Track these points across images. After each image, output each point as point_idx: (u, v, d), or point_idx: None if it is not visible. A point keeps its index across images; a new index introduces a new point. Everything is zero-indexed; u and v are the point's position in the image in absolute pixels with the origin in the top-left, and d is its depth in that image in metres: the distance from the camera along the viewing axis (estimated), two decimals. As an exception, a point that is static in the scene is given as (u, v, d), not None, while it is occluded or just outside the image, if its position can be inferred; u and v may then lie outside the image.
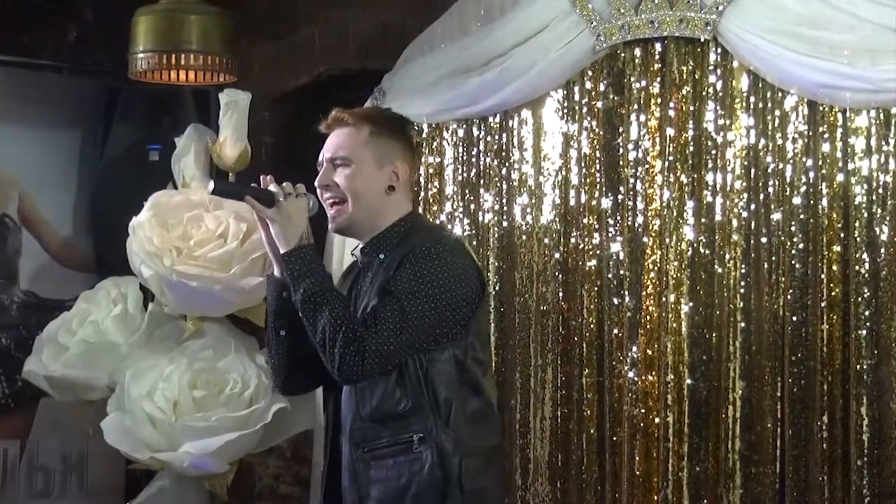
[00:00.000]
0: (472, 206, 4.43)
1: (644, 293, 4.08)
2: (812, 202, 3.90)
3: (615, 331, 4.14)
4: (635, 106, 4.12)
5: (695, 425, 3.99)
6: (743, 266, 3.98)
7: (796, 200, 3.93)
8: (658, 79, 4.09)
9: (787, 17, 3.82)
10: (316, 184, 3.29)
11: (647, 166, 4.11)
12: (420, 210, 4.50)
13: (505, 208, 4.38)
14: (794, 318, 3.91)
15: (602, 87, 4.20)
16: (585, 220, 4.21)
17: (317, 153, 3.32)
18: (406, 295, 3.13)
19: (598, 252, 4.20)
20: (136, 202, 4.39)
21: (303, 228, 3.22)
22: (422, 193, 4.51)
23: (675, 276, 4.02)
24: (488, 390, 3.27)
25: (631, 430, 4.07)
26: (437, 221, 4.43)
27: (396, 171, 3.29)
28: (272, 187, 3.24)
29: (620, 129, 4.17)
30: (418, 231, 3.28)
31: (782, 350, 3.92)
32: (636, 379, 4.07)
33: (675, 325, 4.01)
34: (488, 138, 4.41)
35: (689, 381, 3.99)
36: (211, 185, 3.30)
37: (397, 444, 3.17)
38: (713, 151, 4.02)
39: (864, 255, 3.81)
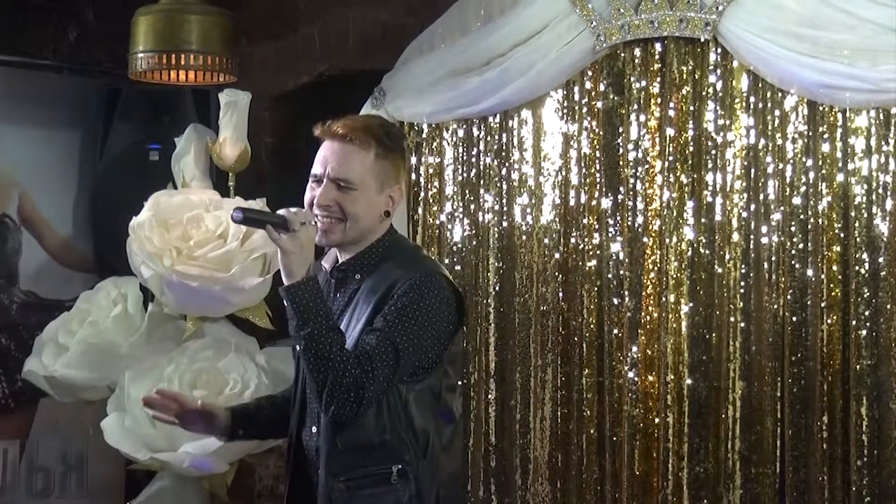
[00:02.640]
0: (472, 206, 4.43)
1: (644, 293, 4.08)
2: (812, 202, 3.90)
3: (615, 331, 4.15)
4: (635, 106, 4.12)
5: (695, 425, 3.99)
6: (743, 266, 3.98)
7: (796, 200, 3.93)
8: (658, 79, 4.09)
9: (787, 17, 3.82)
10: (315, 202, 3.22)
11: (647, 166, 4.11)
12: (420, 210, 4.51)
13: (505, 208, 4.38)
14: (794, 318, 3.91)
15: (602, 87, 4.20)
16: (585, 220, 4.22)
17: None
18: (398, 333, 3.10)
19: (598, 252, 4.20)
20: (136, 202, 4.39)
21: (311, 260, 3.16)
22: (422, 193, 4.51)
23: (675, 276, 4.02)
24: (458, 412, 3.27)
25: (631, 430, 4.07)
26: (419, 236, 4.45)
27: (393, 197, 3.27)
28: (282, 212, 3.14)
29: (620, 129, 4.17)
30: (396, 253, 3.26)
31: (782, 350, 3.92)
32: (636, 379, 4.07)
33: (675, 325, 4.01)
34: (488, 138, 4.41)
35: (689, 381, 3.99)
36: (235, 213, 3.17)
37: (375, 476, 3.16)
38: (713, 151, 4.02)
39: (864, 255, 3.81)
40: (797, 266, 3.92)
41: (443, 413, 3.22)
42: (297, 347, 3.17)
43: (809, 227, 3.90)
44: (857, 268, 3.81)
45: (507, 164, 4.38)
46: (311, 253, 3.14)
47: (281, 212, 3.14)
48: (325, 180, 3.24)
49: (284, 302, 3.12)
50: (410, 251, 3.38)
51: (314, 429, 3.24)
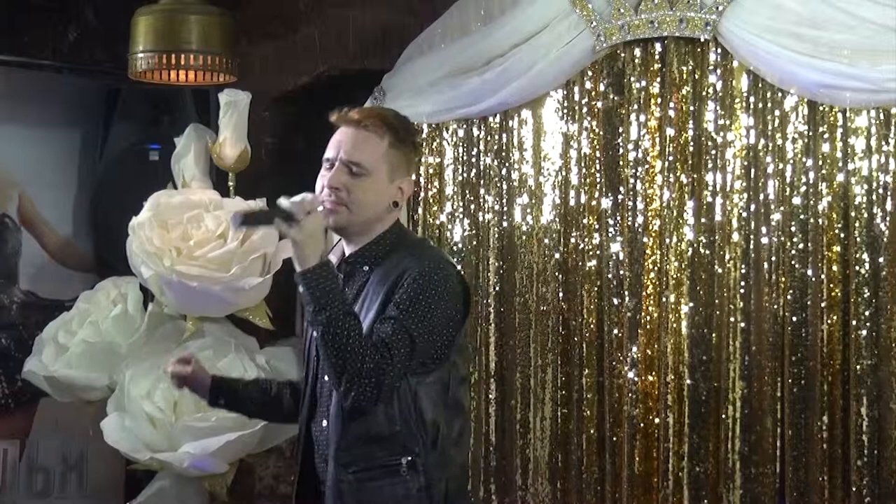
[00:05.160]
0: (472, 206, 4.43)
1: (644, 293, 4.08)
2: (812, 202, 3.90)
3: (615, 331, 4.14)
4: (635, 106, 4.12)
5: (695, 425, 3.99)
6: (743, 266, 3.98)
7: (796, 200, 3.93)
8: (658, 79, 4.09)
9: (787, 16, 3.82)
10: (326, 184, 3.22)
11: (647, 166, 4.11)
12: (420, 211, 4.51)
13: (505, 208, 4.38)
14: (794, 318, 3.91)
15: (602, 87, 4.21)
16: (585, 220, 4.22)
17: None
18: (411, 320, 3.09)
19: (598, 252, 4.20)
20: (136, 202, 4.39)
21: (323, 247, 3.15)
22: (422, 193, 4.51)
23: (675, 276, 4.02)
24: (467, 404, 3.27)
25: (631, 430, 4.07)
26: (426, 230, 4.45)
27: (403, 188, 3.27)
28: (285, 204, 3.14)
29: (620, 129, 4.17)
30: (404, 245, 3.26)
31: (782, 350, 3.92)
32: (636, 379, 4.07)
33: (675, 325, 4.01)
34: (488, 138, 4.41)
35: (689, 381, 3.99)
36: (233, 220, 3.19)
37: (385, 467, 3.15)
38: (713, 151, 4.02)
39: (864, 255, 3.81)
40: (797, 266, 3.92)
41: (452, 405, 3.21)
42: (314, 334, 3.15)
43: (809, 227, 3.90)
44: (857, 268, 3.81)
45: (507, 164, 4.38)
46: (321, 239, 3.14)
47: (283, 204, 3.14)
48: (337, 163, 3.23)
49: (300, 288, 3.11)
50: (418, 242, 3.39)
51: (324, 422, 3.23)
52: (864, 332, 3.79)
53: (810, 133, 3.91)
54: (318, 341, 3.13)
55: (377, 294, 3.18)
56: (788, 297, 3.92)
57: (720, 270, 4.00)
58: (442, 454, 3.17)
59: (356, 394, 3.06)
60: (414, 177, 3.31)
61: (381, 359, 3.06)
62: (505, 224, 4.38)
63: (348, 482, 3.15)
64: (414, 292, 3.12)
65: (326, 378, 3.23)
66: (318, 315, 3.07)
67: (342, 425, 3.16)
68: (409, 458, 3.15)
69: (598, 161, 4.21)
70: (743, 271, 3.98)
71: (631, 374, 4.08)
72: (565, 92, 4.28)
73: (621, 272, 4.14)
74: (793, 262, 3.93)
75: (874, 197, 3.81)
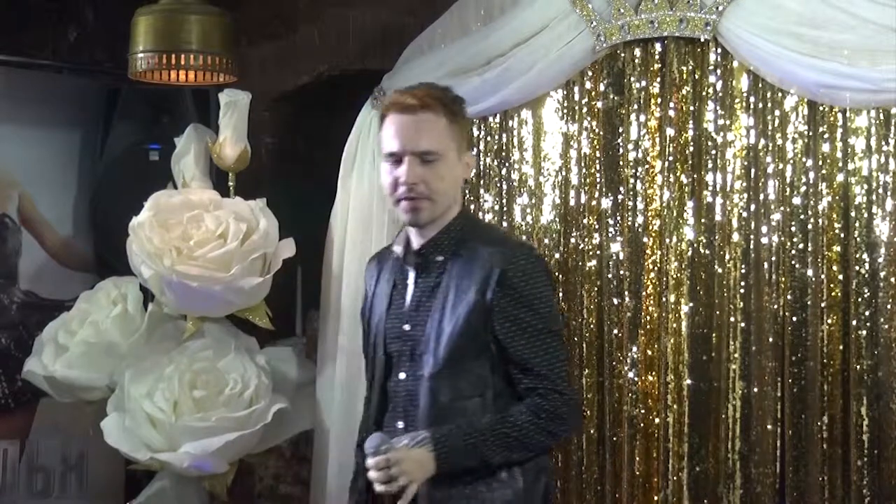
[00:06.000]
0: (472, 206, 4.42)
1: (644, 293, 4.08)
2: (812, 202, 3.90)
3: (615, 331, 4.14)
4: (635, 106, 4.12)
5: (695, 425, 3.99)
6: (743, 266, 3.97)
7: (796, 200, 3.93)
8: (658, 79, 4.09)
9: (787, 16, 3.82)
10: (401, 181, 3.14)
11: (647, 166, 4.11)
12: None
13: (505, 208, 4.38)
14: (794, 318, 3.91)
15: (602, 87, 4.20)
16: (585, 220, 4.21)
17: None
18: (547, 328, 3.15)
19: (598, 252, 4.20)
20: (136, 202, 4.39)
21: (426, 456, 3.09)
22: (422, 193, 4.51)
23: (675, 276, 4.02)
24: None
25: (631, 430, 4.07)
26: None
27: (469, 163, 3.24)
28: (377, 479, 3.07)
29: (620, 129, 4.17)
30: (474, 230, 3.23)
31: (782, 350, 3.92)
32: (636, 379, 4.07)
33: (675, 325, 4.01)
34: (488, 138, 4.41)
35: (689, 381, 3.99)
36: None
37: (484, 473, 3.15)
38: (713, 151, 4.02)
39: (864, 255, 3.81)
40: (797, 266, 3.92)
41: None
42: (376, 331, 3.19)
43: (809, 227, 3.90)
44: (857, 268, 3.81)
45: (507, 164, 4.38)
46: (419, 454, 3.10)
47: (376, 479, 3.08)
48: (408, 157, 3.15)
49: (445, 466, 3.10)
50: (487, 227, 3.40)
51: (399, 423, 3.20)
52: (864, 332, 3.79)
53: (810, 133, 3.91)
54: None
55: (462, 289, 3.12)
56: (788, 297, 3.92)
57: (720, 270, 3.99)
58: (539, 463, 3.18)
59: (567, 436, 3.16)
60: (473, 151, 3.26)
61: (564, 399, 3.12)
62: (505, 224, 4.37)
63: (445, 489, 3.12)
64: (532, 294, 3.12)
65: (402, 376, 3.20)
66: (491, 460, 3.09)
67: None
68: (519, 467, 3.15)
69: (598, 161, 4.21)
70: (743, 271, 3.97)
71: (631, 374, 4.08)
72: (565, 92, 4.27)
73: (621, 272, 4.14)
74: (793, 262, 3.93)
75: (874, 197, 3.81)
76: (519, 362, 3.14)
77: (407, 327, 3.26)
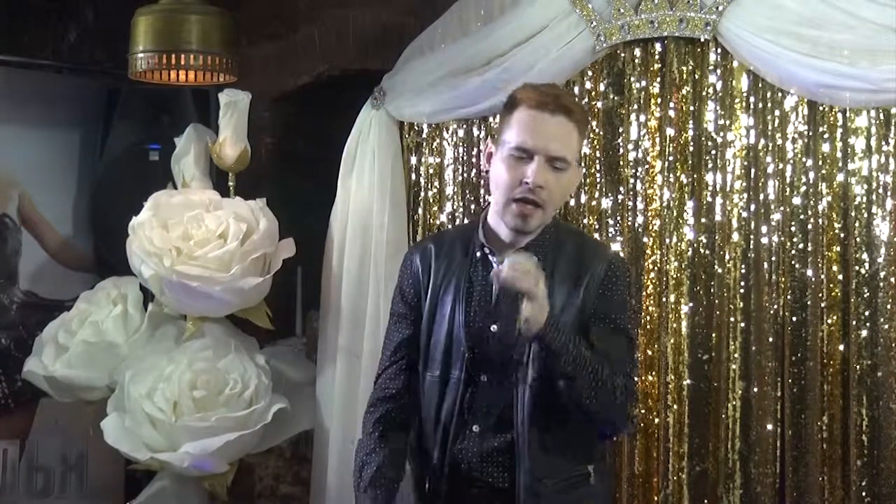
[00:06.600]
0: (473, 206, 4.42)
1: (644, 293, 4.08)
2: (812, 202, 3.90)
3: (615, 331, 4.14)
4: (635, 106, 4.12)
5: (695, 425, 3.99)
6: (743, 266, 3.97)
7: (796, 200, 3.93)
8: (658, 79, 4.09)
9: (786, 16, 3.82)
10: (532, 181, 3.06)
11: (647, 166, 4.11)
12: (420, 211, 4.51)
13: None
14: (794, 318, 3.91)
15: (602, 87, 4.20)
16: (585, 220, 4.21)
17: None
18: (630, 325, 3.21)
19: (598, 252, 4.19)
20: (136, 202, 4.39)
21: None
22: (422, 193, 4.51)
23: (675, 276, 4.02)
24: None
25: (631, 430, 4.07)
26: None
27: (579, 176, 3.22)
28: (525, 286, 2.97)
29: (620, 129, 4.17)
30: (567, 233, 3.24)
31: (782, 350, 3.92)
32: (636, 379, 4.07)
33: (675, 325, 4.01)
34: (488, 138, 4.41)
35: (688, 381, 3.99)
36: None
37: (578, 476, 3.14)
38: (713, 151, 4.02)
39: (864, 255, 3.81)
40: (797, 266, 3.92)
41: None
42: (466, 330, 3.10)
43: (809, 227, 3.90)
44: (857, 268, 3.81)
45: (507, 164, 4.37)
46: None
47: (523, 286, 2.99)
48: (540, 157, 3.09)
49: (535, 347, 3.04)
50: (577, 231, 3.43)
51: (476, 427, 3.15)
52: (864, 332, 3.79)
53: (810, 133, 3.91)
54: (563, 388, 3.05)
55: (564, 290, 3.12)
56: (788, 297, 3.92)
57: (720, 270, 3.99)
58: (607, 458, 3.17)
59: (615, 425, 3.14)
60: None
61: (629, 380, 3.10)
62: (505, 224, 4.37)
63: (545, 494, 3.09)
64: (621, 296, 3.15)
65: (483, 379, 3.15)
66: (566, 367, 3.02)
67: (541, 435, 3.10)
68: (593, 465, 3.14)
69: (598, 161, 4.21)
70: (743, 271, 3.97)
71: (631, 374, 4.08)
72: (565, 92, 4.28)
73: (621, 272, 4.14)
74: (793, 262, 3.93)
75: (874, 197, 3.81)
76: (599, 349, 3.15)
77: (495, 328, 3.19)
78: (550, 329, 3.01)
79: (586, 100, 4.22)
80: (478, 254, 3.24)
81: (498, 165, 3.17)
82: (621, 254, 3.25)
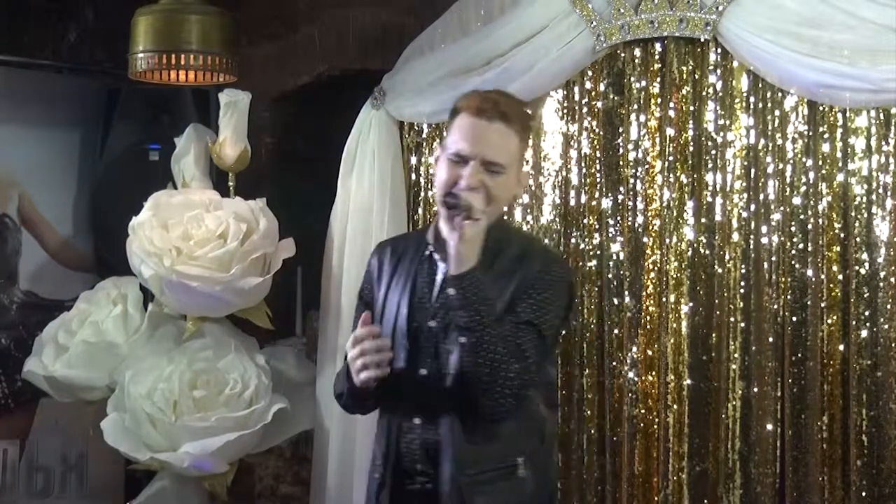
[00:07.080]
0: (473, 206, 4.42)
1: (644, 293, 4.08)
2: (812, 202, 3.90)
3: (615, 331, 4.14)
4: (635, 106, 4.12)
5: (695, 425, 3.98)
6: (743, 266, 3.97)
7: (796, 200, 3.92)
8: (658, 79, 4.09)
9: (786, 16, 3.82)
10: (465, 184, 3.10)
11: (647, 166, 4.11)
12: (420, 211, 4.51)
13: (505, 208, 4.37)
14: (794, 318, 3.91)
15: (602, 87, 4.20)
16: (585, 221, 4.21)
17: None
18: (547, 325, 3.17)
19: (598, 252, 4.20)
20: (136, 202, 4.39)
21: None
22: (422, 193, 4.51)
23: (675, 276, 4.02)
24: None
25: (631, 430, 4.07)
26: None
27: (521, 179, 3.23)
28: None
29: (620, 129, 4.17)
30: (509, 236, 3.26)
31: (782, 350, 3.92)
32: (636, 379, 4.07)
33: (675, 325, 4.01)
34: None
35: (689, 381, 3.99)
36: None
37: (504, 468, 3.14)
38: (713, 151, 4.02)
39: (864, 255, 3.81)
40: (797, 266, 3.92)
41: (551, 404, 3.25)
42: (462, 340, 3.09)
43: (809, 227, 3.90)
44: (857, 268, 3.81)
45: (507, 164, 4.37)
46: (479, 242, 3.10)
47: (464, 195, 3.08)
48: (475, 162, 3.13)
49: (450, 291, 3.08)
50: (528, 235, 3.47)
51: (440, 423, 3.17)
52: (864, 332, 3.79)
53: (810, 133, 3.91)
54: (465, 346, 3.07)
55: (497, 287, 3.13)
56: (788, 297, 3.92)
57: (720, 270, 3.99)
58: (546, 453, 3.16)
59: (497, 404, 3.05)
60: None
61: (524, 368, 3.06)
62: (505, 224, 4.38)
63: (467, 484, 3.11)
64: (549, 296, 3.14)
65: (423, 372, 3.19)
66: (472, 319, 3.03)
67: (466, 426, 3.12)
68: (523, 458, 3.13)
69: (598, 161, 4.21)
70: (743, 271, 3.97)
71: (631, 374, 4.08)
72: (565, 92, 4.27)
73: (621, 272, 4.14)
74: (793, 262, 3.93)
75: (874, 197, 3.81)
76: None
77: (433, 324, 3.26)
78: (472, 279, 3.06)
79: (586, 100, 4.22)
80: (426, 253, 3.31)
81: (439, 168, 3.27)
82: (567, 265, 3.26)
